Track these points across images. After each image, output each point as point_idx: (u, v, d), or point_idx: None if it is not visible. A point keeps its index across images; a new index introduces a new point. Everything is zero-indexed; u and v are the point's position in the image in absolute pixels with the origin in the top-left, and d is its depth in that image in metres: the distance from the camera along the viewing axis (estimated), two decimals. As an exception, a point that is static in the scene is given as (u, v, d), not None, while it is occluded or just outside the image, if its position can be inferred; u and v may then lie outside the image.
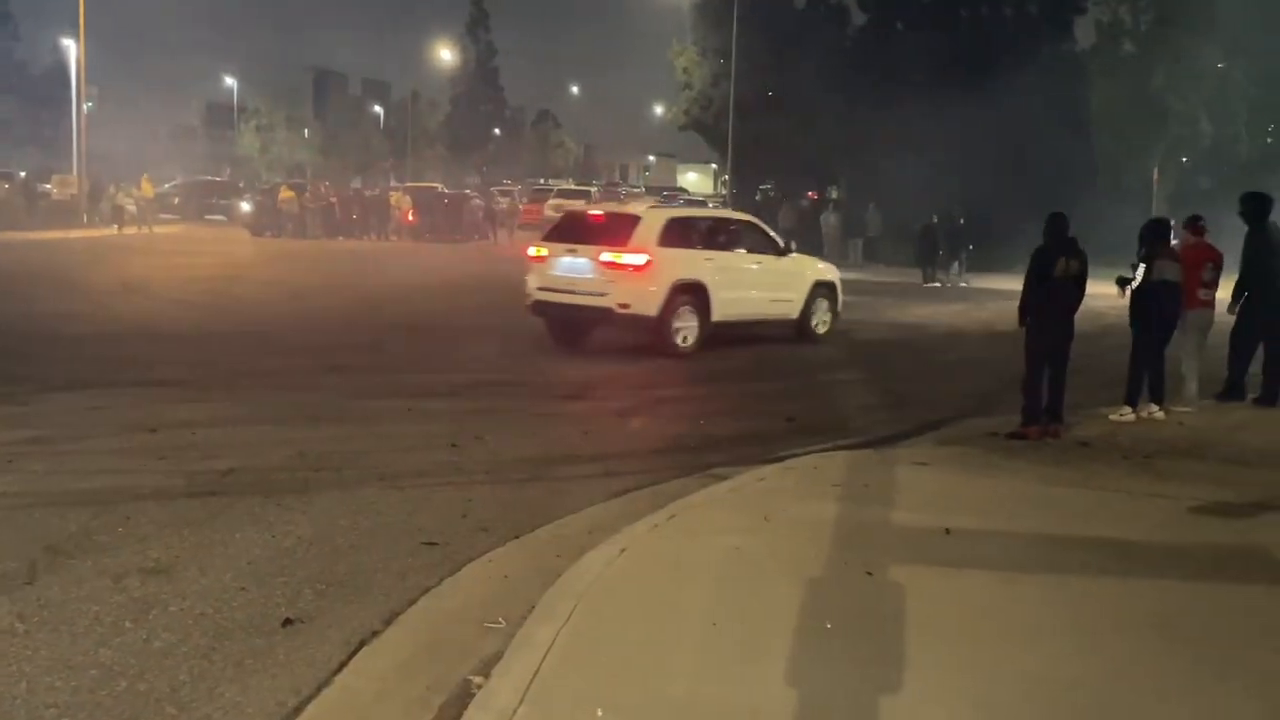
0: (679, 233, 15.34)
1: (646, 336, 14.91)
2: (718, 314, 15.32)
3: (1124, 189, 36.99)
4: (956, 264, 32.87)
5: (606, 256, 14.68)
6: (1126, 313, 10.82)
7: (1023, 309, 10.13)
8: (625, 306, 14.58)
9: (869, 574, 5.98)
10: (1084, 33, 46.11)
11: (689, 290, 14.99)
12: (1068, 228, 10.10)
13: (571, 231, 15.68)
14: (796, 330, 16.96)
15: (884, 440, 9.97)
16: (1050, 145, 37.59)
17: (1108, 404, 11.33)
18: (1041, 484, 8.26)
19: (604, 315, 14.84)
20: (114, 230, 38.24)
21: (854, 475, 8.24)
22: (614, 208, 17.20)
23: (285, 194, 41.17)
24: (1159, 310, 10.52)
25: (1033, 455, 9.19)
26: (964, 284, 31.47)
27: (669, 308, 14.75)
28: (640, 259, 14.61)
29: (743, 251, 16.32)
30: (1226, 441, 10.02)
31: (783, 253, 16.89)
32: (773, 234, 17.59)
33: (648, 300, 14.61)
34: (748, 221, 17.52)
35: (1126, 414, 10.61)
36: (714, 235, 16.16)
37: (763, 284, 16.45)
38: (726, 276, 15.58)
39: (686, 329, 15.04)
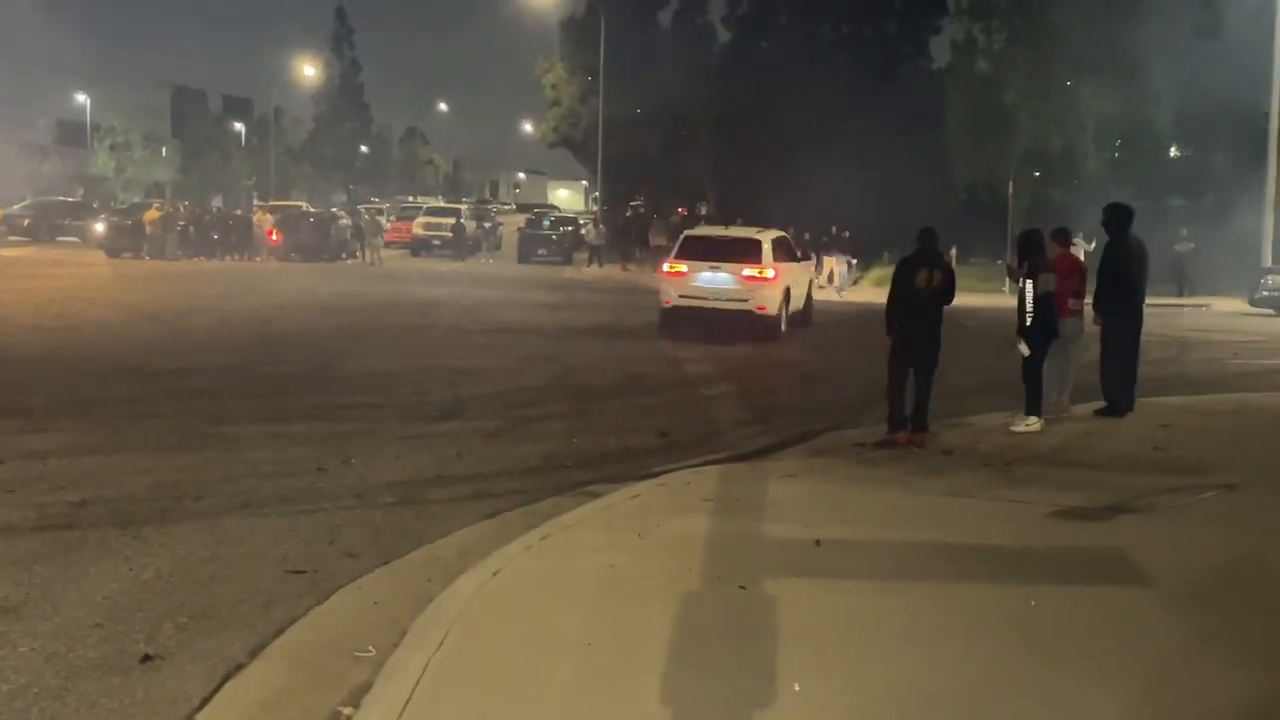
0: (780, 251, 20.62)
1: (766, 329, 19.66)
2: (790, 308, 20.75)
3: (980, 202, 38.19)
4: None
5: (749, 272, 19.59)
6: (1003, 325, 10.98)
7: (888, 318, 10.36)
8: (762, 309, 19.55)
9: (742, 588, 6.02)
10: (940, 50, 47.64)
11: (786, 293, 20.42)
12: (936, 241, 10.38)
13: (704, 251, 20.35)
14: (802, 318, 22.11)
15: (754, 453, 10.08)
16: (909, 160, 38.63)
17: (973, 412, 11.65)
18: (908, 493, 8.44)
19: (745, 316, 19.51)
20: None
21: (726, 489, 8.30)
22: (736, 232, 22.00)
23: (152, 214, 39.93)
24: (1048, 320, 10.74)
25: (899, 465, 9.38)
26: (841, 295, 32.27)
27: (783, 307, 20.18)
28: (772, 273, 19.70)
29: (793, 263, 21.69)
30: (1081, 447, 10.37)
31: (801, 260, 22.82)
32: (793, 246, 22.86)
33: (775, 302, 19.80)
34: (789, 239, 22.81)
35: (1033, 424, 10.84)
36: (786, 251, 21.43)
37: (801, 283, 22.05)
38: (792, 279, 21.05)
39: (784, 319, 20.34)
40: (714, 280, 19.84)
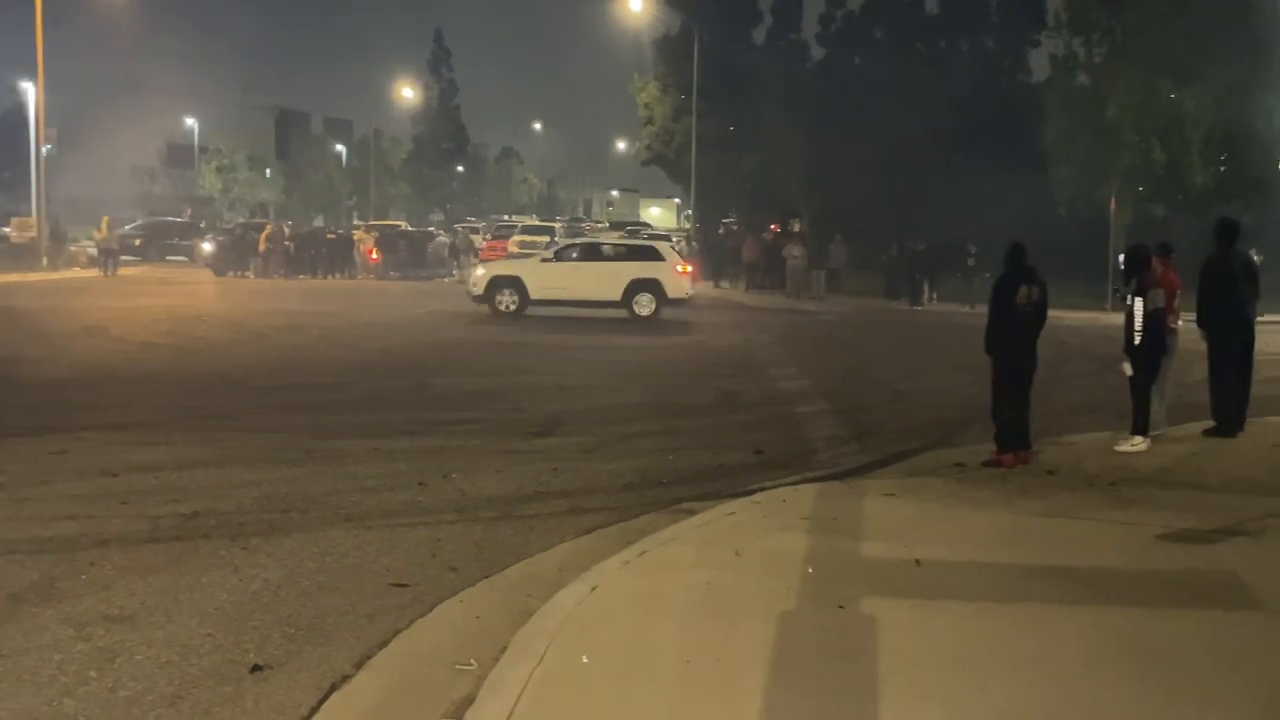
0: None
1: None
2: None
3: (1081, 219, 37.41)
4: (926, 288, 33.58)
5: None
6: (1103, 341, 10.82)
7: (989, 338, 10.21)
8: None
9: (840, 607, 5.98)
10: (1038, 64, 46.86)
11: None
12: (1026, 256, 10.22)
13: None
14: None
15: (851, 472, 10.00)
16: (1008, 175, 38.04)
17: (1074, 431, 11.43)
18: (1010, 513, 8.31)
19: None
20: (71, 272, 37.88)
21: (822, 507, 8.26)
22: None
23: (267, 232, 41.00)
24: (1157, 338, 10.52)
25: (1000, 485, 9.24)
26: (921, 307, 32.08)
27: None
28: None
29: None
30: (1189, 468, 10.11)
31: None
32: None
33: None
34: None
35: (1139, 444, 10.62)
36: None
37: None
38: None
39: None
40: None
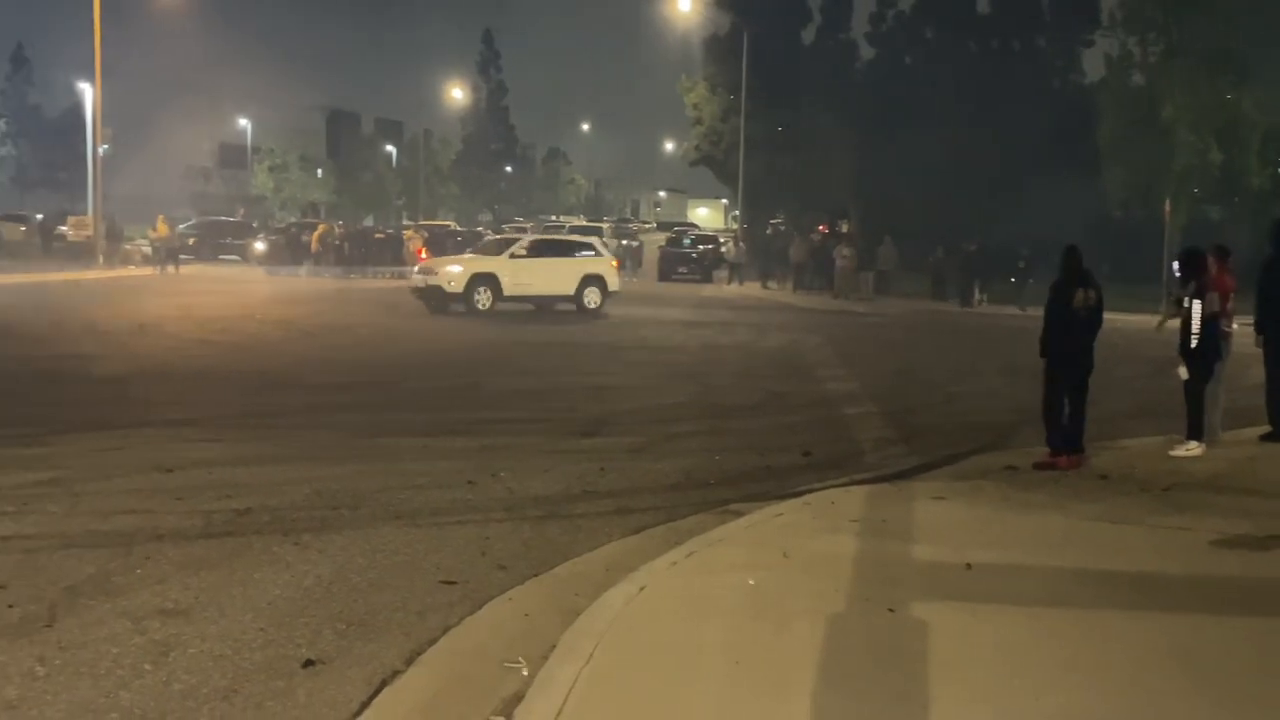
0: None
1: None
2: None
3: (1136, 221, 36.98)
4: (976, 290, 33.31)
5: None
6: (1156, 344, 10.65)
7: (1044, 341, 10.11)
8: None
9: (890, 610, 5.94)
10: (1093, 65, 46.35)
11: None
12: (1082, 260, 10.10)
13: None
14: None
15: (900, 474, 9.94)
16: (1061, 176, 37.67)
17: (1128, 435, 11.29)
18: (1062, 517, 8.22)
19: None
20: (126, 271, 38.44)
21: (872, 510, 8.21)
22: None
23: (320, 231, 41.50)
24: (1213, 342, 10.40)
25: (1052, 488, 9.15)
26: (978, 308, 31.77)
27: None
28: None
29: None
30: (1245, 473, 9.95)
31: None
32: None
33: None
34: None
35: (1193, 449, 10.47)
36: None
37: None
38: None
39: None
40: None
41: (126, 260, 41.76)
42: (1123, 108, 36.21)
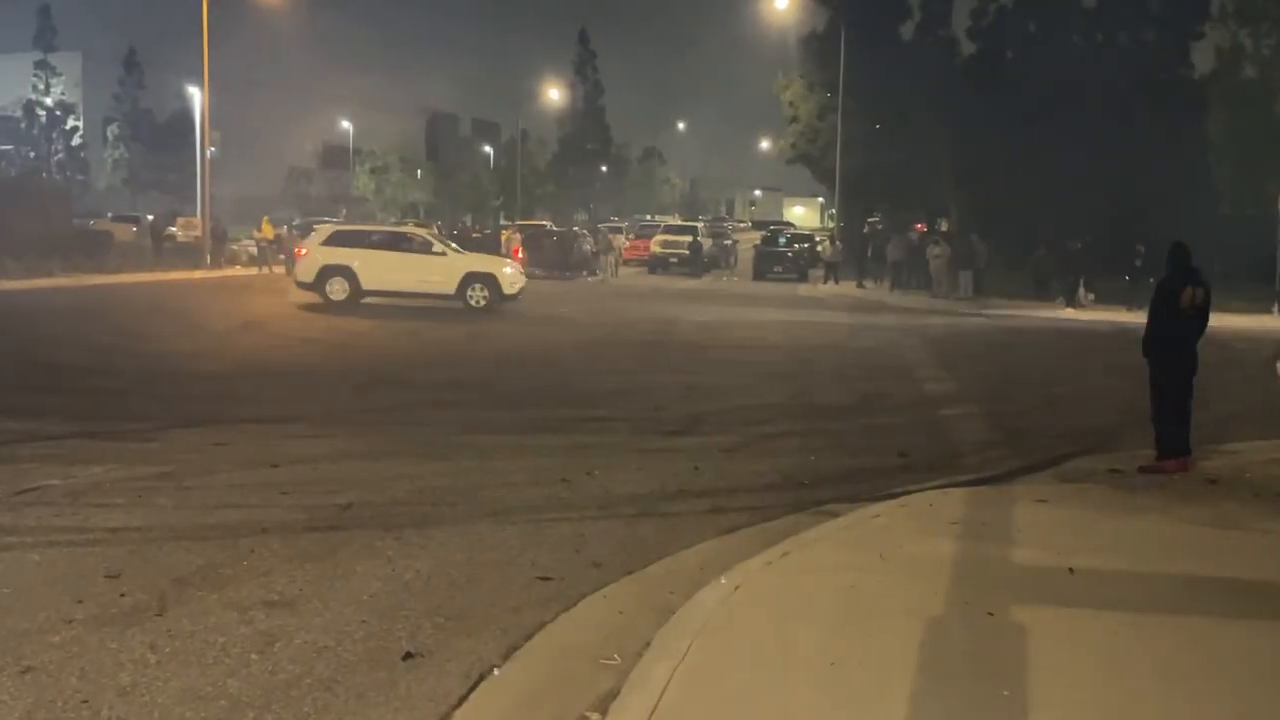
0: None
1: None
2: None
3: (1246, 217, 35.85)
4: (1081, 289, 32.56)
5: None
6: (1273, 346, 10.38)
7: (1147, 341, 9.87)
8: None
9: (990, 614, 5.86)
10: (1202, 58, 45.02)
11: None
12: (1190, 257, 9.84)
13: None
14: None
15: (1000, 477, 9.78)
16: (1168, 173, 36.69)
17: (1238, 439, 10.97)
18: (1169, 522, 8.02)
19: None
20: (233, 270, 39.40)
21: (971, 512, 8.09)
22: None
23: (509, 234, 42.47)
24: None
25: (1159, 492, 8.92)
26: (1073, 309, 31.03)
27: None
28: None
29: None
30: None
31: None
32: None
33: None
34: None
35: None
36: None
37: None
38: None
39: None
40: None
41: (233, 260, 42.78)
42: (1234, 102, 35.13)
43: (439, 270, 25.79)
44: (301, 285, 25.54)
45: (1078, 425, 12.83)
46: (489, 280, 25.92)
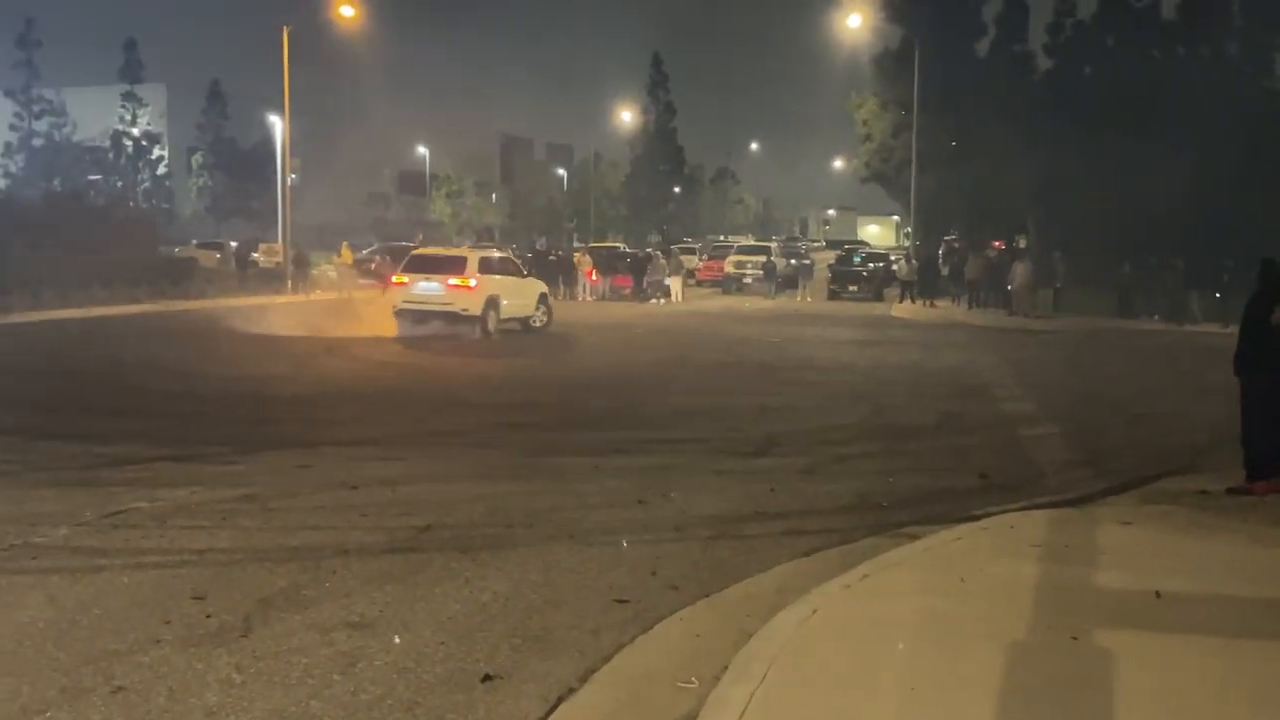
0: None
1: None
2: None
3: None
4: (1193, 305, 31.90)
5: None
6: None
7: (1238, 358, 9.65)
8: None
9: (1074, 639, 5.75)
10: (1287, 70, 44.09)
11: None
12: (1281, 272, 9.60)
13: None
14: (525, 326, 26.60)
15: (1083, 498, 9.60)
16: (1254, 187, 35.88)
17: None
18: (1259, 546, 7.81)
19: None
20: (313, 295, 40.01)
21: (1053, 535, 7.96)
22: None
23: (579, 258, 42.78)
24: None
25: (1248, 515, 8.70)
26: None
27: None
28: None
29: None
30: None
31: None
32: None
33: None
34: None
35: None
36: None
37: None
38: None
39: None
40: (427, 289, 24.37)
41: (314, 285, 43.55)
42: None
43: (530, 293, 26.53)
44: (464, 318, 24.42)
45: (1163, 445, 12.56)
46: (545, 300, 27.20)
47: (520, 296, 26.12)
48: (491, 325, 24.55)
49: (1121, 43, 46.85)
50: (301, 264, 43.36)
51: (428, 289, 24.49)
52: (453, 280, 24.38)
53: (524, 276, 26.99)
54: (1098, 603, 6.44)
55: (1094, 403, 16.64)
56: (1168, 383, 19.25)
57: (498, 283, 25.21)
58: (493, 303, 24.62)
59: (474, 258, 25.63)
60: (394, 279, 26.27)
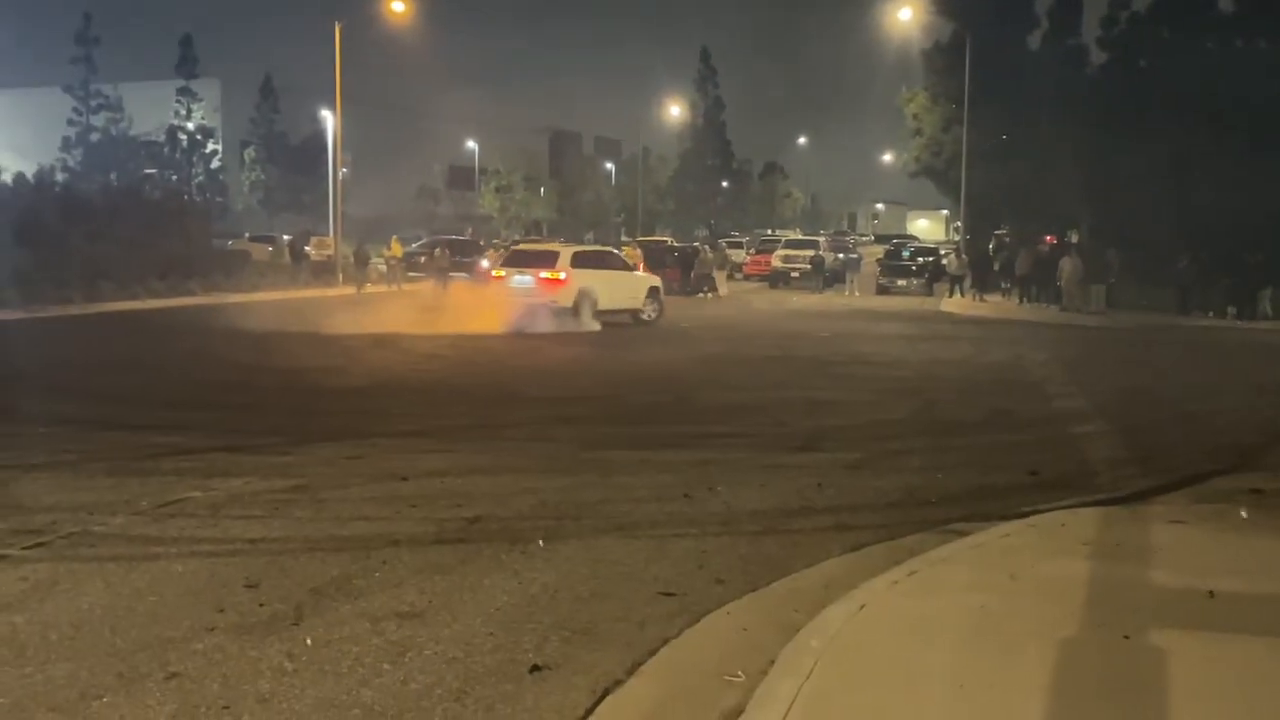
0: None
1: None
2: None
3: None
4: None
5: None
6: None
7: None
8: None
9: (1126, 637, 5.70)
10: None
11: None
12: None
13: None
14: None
15: (1135, 496, 9.49)
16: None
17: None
18: (1316, 545, 7.69)
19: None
20: (360, 289, 40.27)
21: (1104, 533, 7.88)
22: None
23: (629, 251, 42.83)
24: None
25: (1304, 514, 8.57)
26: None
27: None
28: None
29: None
30: None
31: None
32: None
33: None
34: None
35: None
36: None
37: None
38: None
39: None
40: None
41: (364, 279, 43.94)
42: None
43: (637, 286, 27.52)
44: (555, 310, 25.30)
45: (1216, 443, 12.39)
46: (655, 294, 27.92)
47: (624, 289, 27.07)
48: (584, 317, 25.03)
49: (1177, 36, 46.11)
50: (362, 259, 43.61)
51: (522, 282, 25.42)
52: (544, 274, 25.45)
53: (629, 270, 28.15)
54: (1150, 602, 6.38)
55: (1146, 400, 16.43)
56: (1223, 380, 18.96)
57: (594, 276, 26.00)
58: (586, 295, 25.29)
59: (567, 252, 26.75)
60: (493, 273, 27.72)
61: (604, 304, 25.99)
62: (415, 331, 23.44)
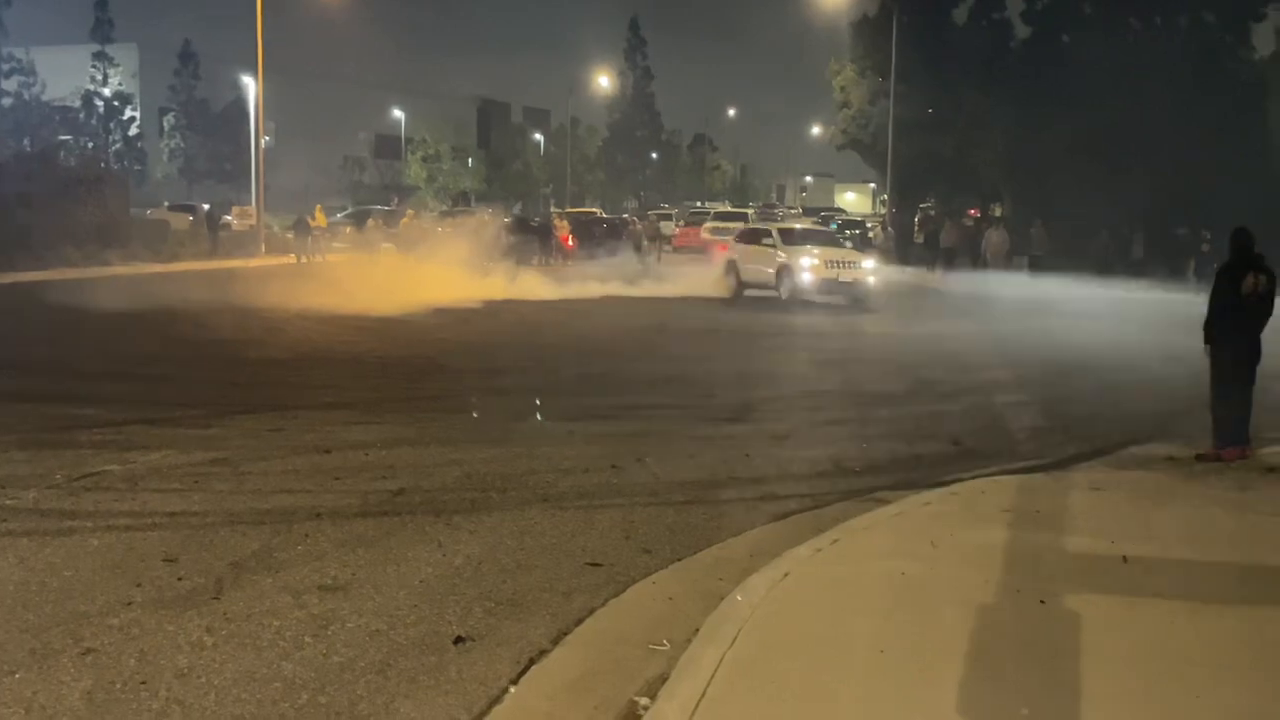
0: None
1: None
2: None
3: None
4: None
5: None
6: None
7: (1209, 326, 9.72)
8: None
9: (1042, 602, 5.81)
10: (1263, 41, 44.18)
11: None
12: (1253, 243, 9.66)
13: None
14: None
15: (1056, 464, 9.67)
16: (1229, 158, 36.00)
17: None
18: (1227, 511, 7.90)
19: None
20: (308, 258, 39.45)
21: (1024, 500, 8.03)
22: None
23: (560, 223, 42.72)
24: None
25: (1216, 481, 8.79)
26: None
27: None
28: None
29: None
30: None
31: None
32: None
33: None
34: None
35: None
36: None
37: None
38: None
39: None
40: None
41: (305, 248, 42.93)
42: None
43: (773, 262, 27.31)
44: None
45: (1133, 412, 12.65)
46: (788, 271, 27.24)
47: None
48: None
49: (1099, 11, 46.78)
50: (302, 229, 42.57)
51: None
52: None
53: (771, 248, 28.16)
54: (1066, 567, 6.51)
55: (1067, 370, 16.71)
56: (1141, 350, 19.35)
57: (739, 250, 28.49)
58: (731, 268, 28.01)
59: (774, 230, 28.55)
60: (720, 247, 30.69)
61: (747, 278, 27.86)
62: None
